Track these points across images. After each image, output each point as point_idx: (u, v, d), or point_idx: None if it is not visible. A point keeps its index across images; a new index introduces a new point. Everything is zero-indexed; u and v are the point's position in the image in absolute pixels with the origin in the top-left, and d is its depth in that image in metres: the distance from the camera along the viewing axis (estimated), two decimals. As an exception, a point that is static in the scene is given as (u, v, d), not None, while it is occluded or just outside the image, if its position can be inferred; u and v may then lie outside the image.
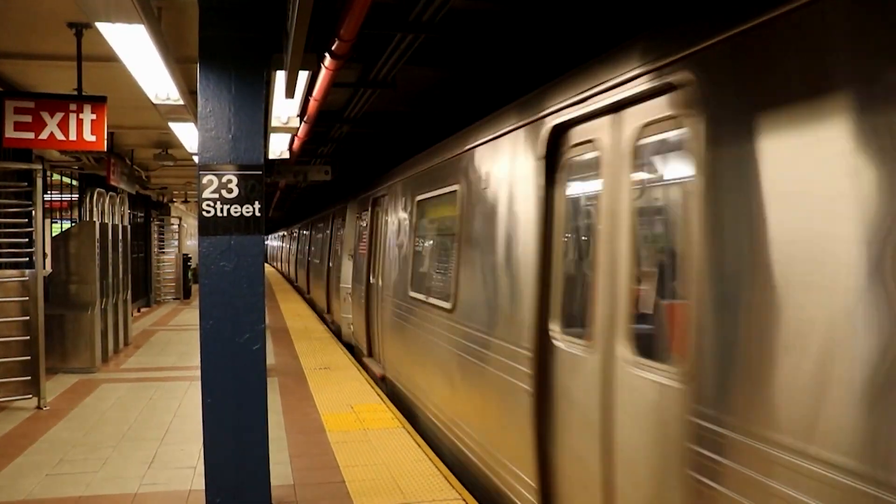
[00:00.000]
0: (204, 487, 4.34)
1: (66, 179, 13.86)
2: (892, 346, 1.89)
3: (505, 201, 4.76)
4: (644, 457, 3.07)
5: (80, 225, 9.91)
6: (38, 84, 7.65)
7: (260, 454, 4.38)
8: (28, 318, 7.37)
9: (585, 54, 4.16)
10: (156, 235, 20.05)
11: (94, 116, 6.52)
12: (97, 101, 6.56)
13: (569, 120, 3.88)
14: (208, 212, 4.23)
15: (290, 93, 5.38)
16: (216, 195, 4.24)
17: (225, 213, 4.25)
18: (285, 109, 7.13)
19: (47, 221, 11.67)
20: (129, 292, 11.91)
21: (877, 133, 2.00)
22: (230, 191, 4.25)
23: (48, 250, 9.92)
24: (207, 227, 4.24)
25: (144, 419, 6.99)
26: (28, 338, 7.34)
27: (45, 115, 6.43)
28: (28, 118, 6.42)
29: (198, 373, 4.39)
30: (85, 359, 9.42)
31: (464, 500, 4.85)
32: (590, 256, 3.75)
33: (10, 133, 6.38)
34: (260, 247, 4.33)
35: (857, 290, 2.01)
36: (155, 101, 6.62)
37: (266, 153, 9.20)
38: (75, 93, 6.63)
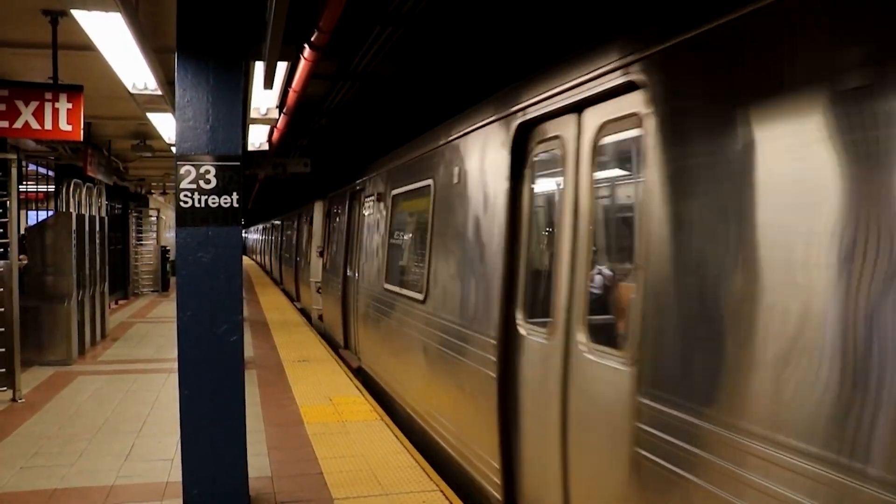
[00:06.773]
0: (181, 479, 4.34)
1: (42, 170, 13.69)
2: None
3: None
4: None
5: (57, 216, 9.79)
6: (13, 72, 7.54)
7: (237, 446, 4.37)
8: (2, 309, 7.28)
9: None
10: (134, 227, 19.86)
11: (70, 106, 6.44)
12: (73, 90, 6.48)
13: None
14: (186, 202, 4.21)
15: (268, 83, 5.36)
16: (194, 186, 4.21)
17: (203, 204, 4.23)
18: (264, 101, 7.09)
19: (22, 212, 11.51)
20: (107, 284, 11.79)
21: None
22: (208, 181, 4.23)
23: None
24: (185, 217, 4.22)
25: (121, 411, 6.94)
26: (2, 330, 7.24)
27: (20, 104, 6.34)
28: (2, 107, 6.32)
29: (175, 365, 4.37)
30: (61, 351, 9.32)
31: (441, 491, 4.88)
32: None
33: (-17, 122, 6.29)
34: (238, 238, 4.31)
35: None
36: (132, 91, 6.56)
37: (245, 144, 9.15)
38: (51, 81, 6.54)
